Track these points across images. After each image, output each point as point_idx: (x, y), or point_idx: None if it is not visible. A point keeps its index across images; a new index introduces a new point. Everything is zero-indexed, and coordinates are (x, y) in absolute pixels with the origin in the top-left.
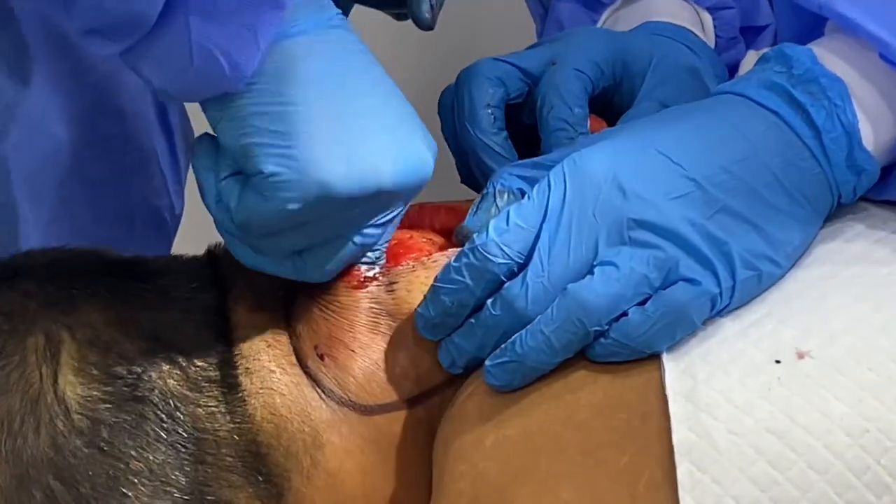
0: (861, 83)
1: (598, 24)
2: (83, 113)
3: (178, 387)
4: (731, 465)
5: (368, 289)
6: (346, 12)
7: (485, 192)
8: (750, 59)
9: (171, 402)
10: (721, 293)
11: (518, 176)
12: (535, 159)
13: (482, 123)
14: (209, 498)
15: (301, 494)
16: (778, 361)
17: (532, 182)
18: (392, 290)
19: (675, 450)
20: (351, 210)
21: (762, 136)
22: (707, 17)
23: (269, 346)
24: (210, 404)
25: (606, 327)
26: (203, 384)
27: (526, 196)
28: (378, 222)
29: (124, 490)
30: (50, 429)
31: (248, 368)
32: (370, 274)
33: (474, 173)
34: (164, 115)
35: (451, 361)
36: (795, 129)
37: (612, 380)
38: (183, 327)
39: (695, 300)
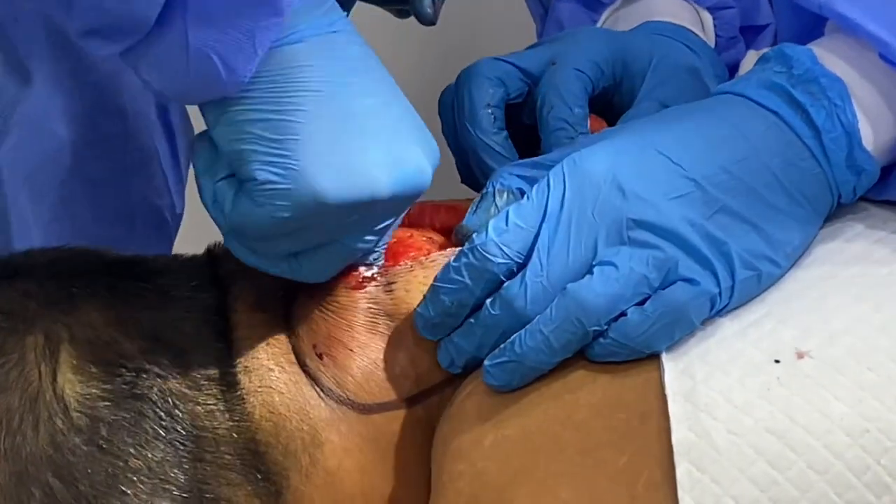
0: (861, 83)
1: (598, 24)
2: (84, 112)
3: (178, 385)
4: (731, 464)
5: (367, 289)
6: (347, 10)
7: (484, 191)
8: (750, 59)
9: (170, 399)
10: (720, 293)
11: (518, 176)
12: (534, 159)
13: (482, 123)
14: (208, 496)
15: (300, 493)
16: (777, 361)
17: (532, 182)
18: (390, 291)
19: (675, 450)
20: (346, 218)
21: (762, 136)
22: (707, 17)
23: (268, 345)
24: (209, 402)
25: (605, 327)
26: (202, 382)
27: (525, 196)
28: (375, 228)
29: (123, 488)
30: (49, 426)
31: (246, 367)
32: (368, 274)
33: (474, 173)
34: (165, 115)
35: (450, 361)
36: (795, 129)
37: (611, 380)
38: (183, 326)
39: (694, 300)
